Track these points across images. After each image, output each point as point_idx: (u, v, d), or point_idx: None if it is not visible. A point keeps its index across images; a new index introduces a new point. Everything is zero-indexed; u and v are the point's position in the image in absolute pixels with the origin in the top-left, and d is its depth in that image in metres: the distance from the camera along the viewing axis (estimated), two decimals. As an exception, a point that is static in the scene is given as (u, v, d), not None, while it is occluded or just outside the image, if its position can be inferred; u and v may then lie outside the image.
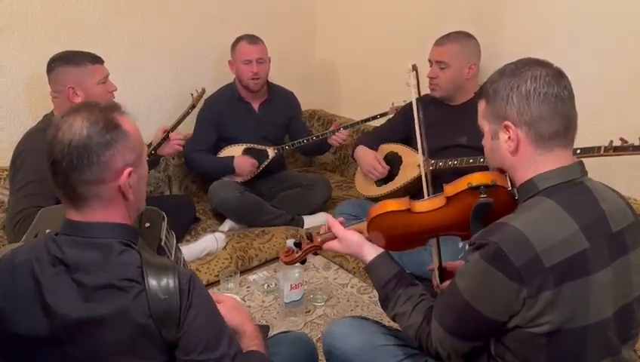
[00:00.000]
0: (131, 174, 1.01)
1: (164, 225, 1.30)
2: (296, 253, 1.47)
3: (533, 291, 1.00)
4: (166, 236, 1.30)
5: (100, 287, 0.95)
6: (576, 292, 1.02)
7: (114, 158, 0.98)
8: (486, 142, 1.19)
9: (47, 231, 1.20)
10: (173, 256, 1.32)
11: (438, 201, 1.30)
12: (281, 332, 1.53)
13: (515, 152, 1.11)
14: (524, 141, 1.10)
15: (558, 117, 1.08)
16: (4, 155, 2.09)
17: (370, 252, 1.35)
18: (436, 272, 1.44)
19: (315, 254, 1.50)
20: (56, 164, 0.98)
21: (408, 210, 1.31)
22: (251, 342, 1.15)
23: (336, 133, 2.57)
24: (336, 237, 1.41)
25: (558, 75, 1.09)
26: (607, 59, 2.07)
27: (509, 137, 1.11)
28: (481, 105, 1.18)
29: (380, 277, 1.33)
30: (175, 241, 1.37)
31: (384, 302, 1.32)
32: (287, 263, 1.49)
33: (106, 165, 0.97)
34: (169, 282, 0.96)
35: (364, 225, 1.38)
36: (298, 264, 1.97)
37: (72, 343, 0.96)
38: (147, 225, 1.26)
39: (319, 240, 1.44)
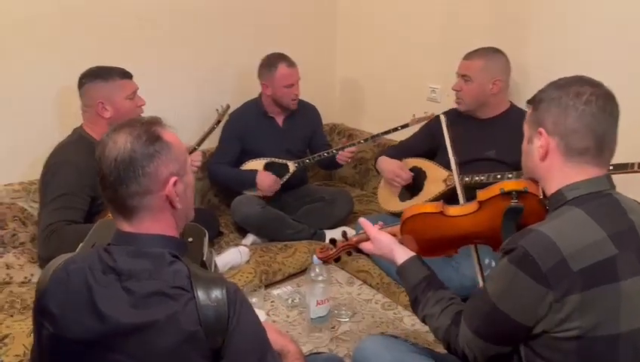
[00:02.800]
0: (177, 183, 1.04)
1: (206, 241, 1.33)
2: (331, 249, 1.53)
3: (560, 295, 1.01)
4: (207, 252, 1.32)
5: (150, 295, 0.97)
6: (605, 298, 1.03)
7: (159, 169, 1.01)
8: (523, 145, 1.23)
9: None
10: (213, 271, 1.33)
11: (470, 206, 1.33)
12: (313, 353, 1.53)
13: (544, 158, 1.15)
14: (553, 150, 1.13)
15: (591, 134, 1.10)
16: (35, 168, 2.12)
17: (402, 254, 1.39)
18: (481, 282, 1.45)
19: (349, 254, 1.56)
20: (104, 180, 1.02)
21: (441, 213, 1.35)
22: None
23: (344, 151, 2.62)
24: (369, 239, 1.45)
25: (605, 98, 1.11)
26: (636, 73, 2.05)
27: (540, 144, 1.14)
28: (529, 111, 1.22)
29: (411, 279, 1.36)
30: (214, 258, 1.38)
31: (414, 304, 1.35)
32: (321, 259, 1.56)
33: (151, 176, 1.01)
34: (217, 293, 0.99)
35: (397, 228, 1.42)
36: (323, 278, 2.00)
37: (121, 351, 0.97)
38: (190, 240, 1.29)
39: (354, 239, 1.51)
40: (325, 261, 1.57)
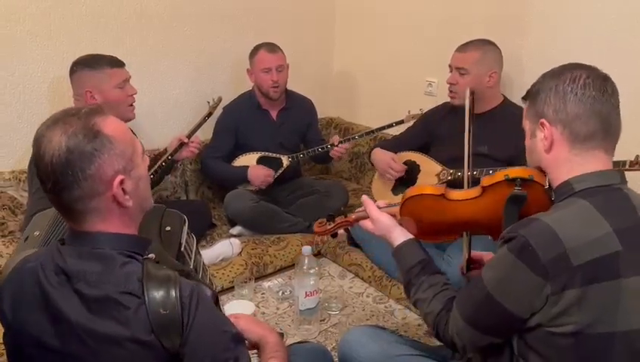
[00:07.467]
0: (124, 181, 0.95)
1: (185, 228, 1.29)
2: (329, 224, 1.53)
3: (558, 288, 0.99)
4: (186, 240, 1.28)
5: (100, 299, 0.92)
6: (604, 295, 1.00)
7: (101, 169, 0.92)
8: (526, 141, 1.20)
9: (36, 233, 1.21)
10: (193, 260, 1.29)
11: (473, 191, 1.31)
12: (297, 343, 1.50)
13: (550, 150, 1.11)
14: (558, 139, 1.10)
15: (594, 117, 1.07)
16: (26, 157, 2.11)
17: (400, 236, 1.36)
18: (464, 262, 1.44)
19: (347, 231, 1.56)
20: (44, 184, 0.93)
21: (442, 196, 1.33)
22: (273, 354, 1.11)
23: (338, 147, 2.58)
24: (368, 217, 1.43)
25: (602, 79, 1.09)
26: (632, 70, 2.02)
27: (544, 135, 1.11)
28: (525, 106, 1.19)
29: (406, 261, 1.33)
30: (195, 244, 1.36)
31: (407, 287, 1.33)
32: (318, 233, 1.55)
33: (94, 178, 0.91)
34: (170, 295, 0.92)
35: (397, 208, 1.40)
36: (314, 270, 1.98)
37: (74, 356, 0.93)
38: (167, 228, 1.24)
39: (353, 217, 1.50)
40: (322, 235, 1.55)
